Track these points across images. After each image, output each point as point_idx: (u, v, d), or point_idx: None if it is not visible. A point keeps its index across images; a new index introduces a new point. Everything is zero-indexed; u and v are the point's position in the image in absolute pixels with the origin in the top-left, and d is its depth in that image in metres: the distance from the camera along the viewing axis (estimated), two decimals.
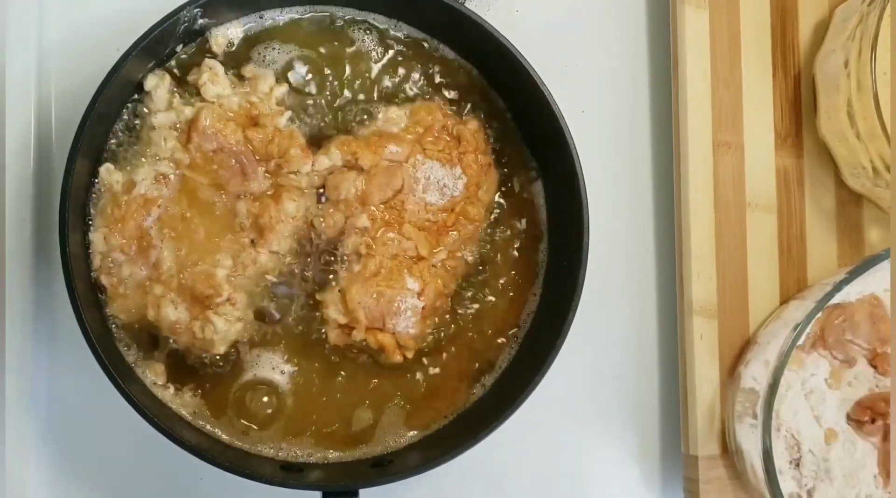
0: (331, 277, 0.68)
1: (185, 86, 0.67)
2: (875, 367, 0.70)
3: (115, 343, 0.66)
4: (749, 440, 0.68)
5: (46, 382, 0.70)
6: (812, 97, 0.75)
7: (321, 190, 0.68)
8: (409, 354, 0.68)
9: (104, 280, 0.65)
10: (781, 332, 0.68)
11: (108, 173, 0.66)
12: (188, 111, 0.66)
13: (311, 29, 0.69)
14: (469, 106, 0.71)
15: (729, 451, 0.72)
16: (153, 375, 0.66)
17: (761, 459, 0.66)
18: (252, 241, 0.66)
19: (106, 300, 0.65)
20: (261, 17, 0.69)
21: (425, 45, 0.70)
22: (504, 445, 0.69)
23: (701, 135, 0.73)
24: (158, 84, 0.66)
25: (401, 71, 0.70)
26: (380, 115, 0.69)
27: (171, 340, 0.66)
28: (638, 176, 0.77)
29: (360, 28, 0.70)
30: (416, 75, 0.71)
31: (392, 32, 0.70)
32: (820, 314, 0.68)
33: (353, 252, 0.67)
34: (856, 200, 0.76)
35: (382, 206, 0.68)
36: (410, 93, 0.70)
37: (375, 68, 0.70)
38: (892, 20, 0.66)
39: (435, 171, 0.68)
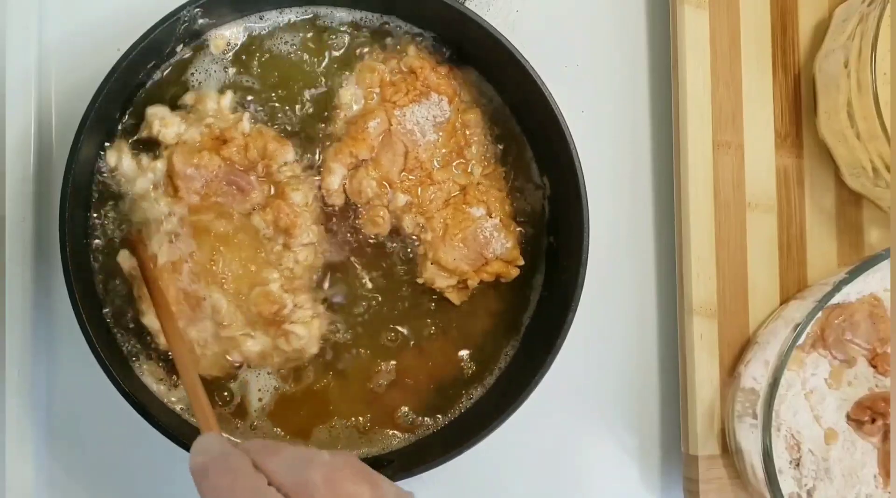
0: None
1: (142, 144, 0.67)
2: (875, 367, 0.70)
3: (116, 343, 0.66)
4: (749, 440, 0.68)
5: (46, 382, 0.70)
6: (812, 97, 0.75)
7: (352, 203, 0.68)
8: (521, 262, 0.70)
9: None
10: (781, 332, 0.68)
11: (126, 259, 0.66)
12: (160, 164, 0.66)
13: (302, 30, 0.70)
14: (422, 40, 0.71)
15: (729, 451, 0.72)
16: (152, 375, 0.66)
17: (761, 458, 0.66)
18: (284, 245, 0.66)
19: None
20: (261, 19, 0.69)
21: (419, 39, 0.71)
22: (504, 445, 0.69)
23: (701, 135, 0.73)
24: (120, 157, 0.66)
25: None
26: (338, 101, 0.69)
27: (267, 371, 0.68)
28: (638, 176, 0.77)
29: (349, 27, 0.70)
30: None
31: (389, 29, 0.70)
32: (820, 314, 0.68)
33: (415, 229, 0.68)
34: (856, 200, 0.76)
35: (405, 174, 0.68)
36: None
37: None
38: (893, 20, 0.66)
39: (417, 112, 0.68)
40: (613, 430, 0.76)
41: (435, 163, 0.69)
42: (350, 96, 0.69)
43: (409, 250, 0.69)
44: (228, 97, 0.68)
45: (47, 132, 0.71)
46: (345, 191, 0.68)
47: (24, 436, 0.69)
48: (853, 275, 0.67)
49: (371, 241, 0.69)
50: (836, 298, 0.68)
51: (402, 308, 0.70)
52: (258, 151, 0.66)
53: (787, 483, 0.67)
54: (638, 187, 0.77)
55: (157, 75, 0.68)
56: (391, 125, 0.68)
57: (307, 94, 0.69)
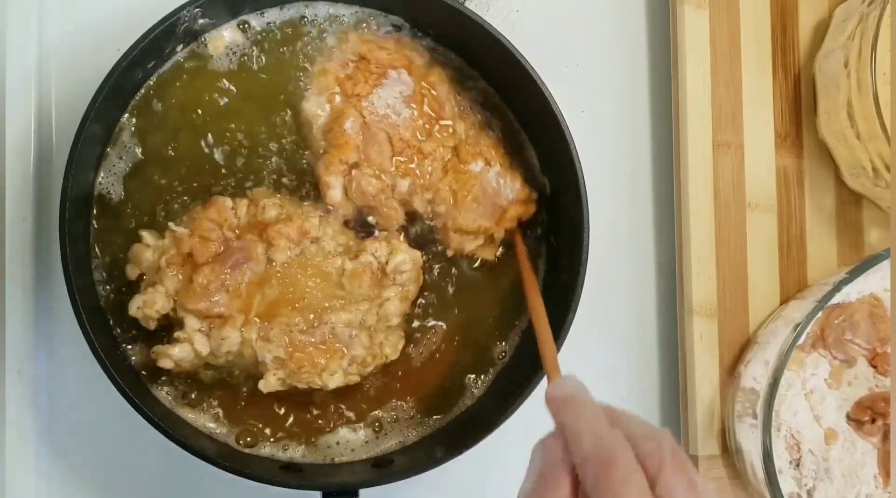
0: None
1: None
2: (875, 367, 0.70)
3: (116, 343, 0.66)
4: (749, 440, 0.68)
5: (46, 382, 0.70)
6: (812, 97, 0.75)
7: (362, 206, 0.68)
8: (534, 196, 0.70)
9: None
10: (781, 331, 0.68)
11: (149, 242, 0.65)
12: (197, 350, 0.64)
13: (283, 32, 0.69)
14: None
15: (729, 451, 0.72)
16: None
17: (761, 458, 0.66)
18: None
19: None
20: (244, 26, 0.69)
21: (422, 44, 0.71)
22: (504, 445, 0.69)
23: (701, 135, 0.73)
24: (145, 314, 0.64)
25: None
26: (304, 118, 0.68)
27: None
28: (638, 176, 0.77)
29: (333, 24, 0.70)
30: None
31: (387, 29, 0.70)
32: (820, 314, 0.68)
33: (428, 206, 0.68)
34: (856, 200, 0.76)
35: (396, 158, 0.67)
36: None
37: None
38: (893, 20, 0.66)
39: (382, 95, 0.68)
40: None
41: (419, 136, 0.68)
42: (314, 107, 0.68)
43: (432, 228, 0.70)
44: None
45: (47, 132, 0.71)
46: (350, 199, 0.68)
47: (24, 436, 0.69)
48: (853, 275, 0.67)
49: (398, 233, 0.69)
50: (836, 298, 0.68)
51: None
52: (255, 222, 0.65)
53: (787, 483, 0.67)
54: (638, 187, 0.77)
55: (156, 75, 0.68)
56: (364, 118, 0.67)
57: (273, 130, 0.68)
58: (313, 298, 0.65)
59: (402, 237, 0.68)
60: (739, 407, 0.69)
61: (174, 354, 0.63)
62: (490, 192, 0.69)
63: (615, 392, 0.76)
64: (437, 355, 0.70)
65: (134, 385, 0.64)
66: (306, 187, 0.68)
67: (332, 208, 0.67)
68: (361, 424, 0.69)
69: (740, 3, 0.74)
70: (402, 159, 0.68)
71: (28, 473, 0.69)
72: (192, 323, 0.63)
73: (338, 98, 0.67)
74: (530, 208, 0.70)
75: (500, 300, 0.71)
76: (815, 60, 0.75)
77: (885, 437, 0.69)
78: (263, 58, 0.69)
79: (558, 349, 0.65)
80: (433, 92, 0.68)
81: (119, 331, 0.67)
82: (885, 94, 0.65)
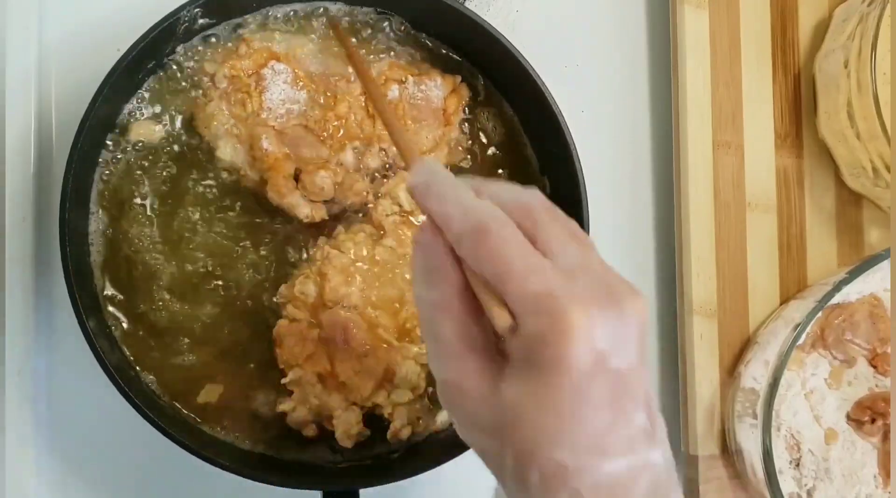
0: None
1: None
2: (875, 367, 0.70)
3: (116, 343, 0.66)
4: (749, 440, 0.68)
5: (46, 382, 0.70)
6: (812, 97, 0.75)
7: (336, 200, 0.67)
8: (458, 79, 0.69)
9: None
10: (781, 332, 0.68)
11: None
12: None
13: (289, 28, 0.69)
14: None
15: (729, 451, 0.72)
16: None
17: (761, 458, 0.66)
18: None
19: None
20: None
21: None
22: None
23: (701, 135, 0.73)
24: None
25: None
26: (224, 164, 0.66)
27: None
28: (638, 176, 0.77)
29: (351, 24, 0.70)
30: None
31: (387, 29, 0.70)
32: (820, 314, 0.68)
33: (383, 156, 0.67)
34: (856, 200, 0.76)
35: (325, 137, 0.66)
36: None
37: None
38: (893, 20, 0.66)
39: (272, 96, 0.65)
40: None
41: (330, 105, 0.66)
42: (227, 154, 0.66)
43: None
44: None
45: (47, 132, 0.71)
46: (317, 202, 0.66)
47: (24, 436, 0.69)
48: (853, 275, 0.67)
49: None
50: (836, 298, 0.68)
51: None
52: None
53: (787, 483, 0.67)
54: (638, 187, 0.77)
55: (156, 76, 0.68)
56: (273, 127, 0.65)
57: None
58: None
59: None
60: (739, 407, 0.69)
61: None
62: (421, 105, 0.67)
63: None
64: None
65: (134, 385, 0.64)
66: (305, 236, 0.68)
67: (309, 220, 0.66)
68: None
69: (740, 3, 0.74)
70: (329, 134, 0.66)
71: (28, 473, 0.69)
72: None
73: (238, 128, 0.65)
74: (464, 91, 0.69)
75: None
76: (815, 60, 0.75)
77: (885, 437, 0.69)
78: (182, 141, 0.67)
79: None
80: (298, 56, 0.66)
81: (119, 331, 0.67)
82: (885, 94, 0.65)
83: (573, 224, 0.46)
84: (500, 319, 0.42)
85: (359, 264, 0.65)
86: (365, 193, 0.67)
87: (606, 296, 0.42)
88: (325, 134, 0.66)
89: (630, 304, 0.43)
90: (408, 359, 0.65)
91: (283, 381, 0.64)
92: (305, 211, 0.66)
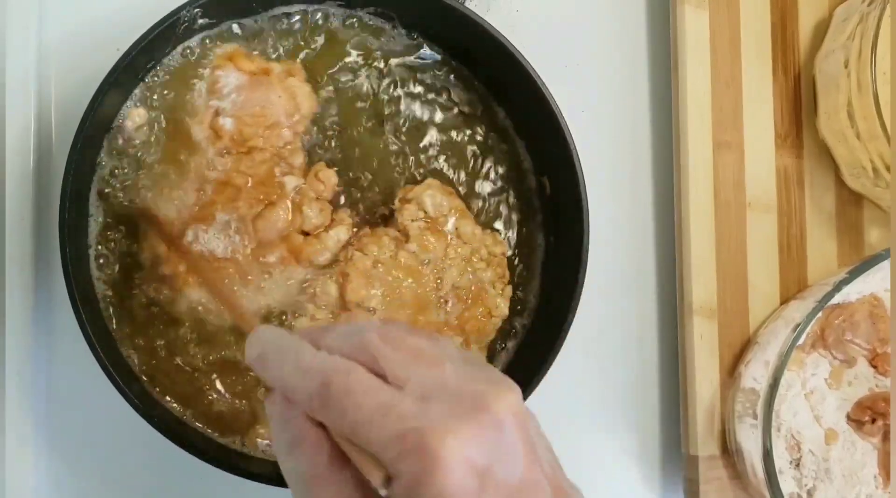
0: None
1: None
2: (875, 367, 0.70)
3: (116, 343, 0.66)
4: (749, 440, 0.68)
5: (46, 382, 0.70)
6: (812, 97, 0.75)
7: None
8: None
9: None
10: (781, 332, 0.68)
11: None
12: None
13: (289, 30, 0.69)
14: None
15: (729, 451, 0.72)
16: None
17: (761, 459, 0.66)
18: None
19: None
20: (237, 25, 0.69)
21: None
22: None
23: (701, 135, 0.73)
24: None
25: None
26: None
27: None
28: (638, 176, 0.77)
29: (351, 26, 0.70)
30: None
31: (388, 30, 0.70)
32: (820, 314, 0.68)
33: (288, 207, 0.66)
34: (856, 200, 0.76)
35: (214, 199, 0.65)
36: None
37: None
38: (893, 20, 0.66)
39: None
40: (613, 430, 0.76)
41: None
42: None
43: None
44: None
45: (47, 132, 0.71)
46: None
47: (24, 436, 0.69)
48: (853, 275, 0.67)
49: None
50: (836, 298, 0.68)
51: None
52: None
53: (787, 483, 0.67)
54: (638, 187, 0.77)
55: (156, 75, 0.68)
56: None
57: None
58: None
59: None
60: (739, 407, 0.69)
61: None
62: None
63: (615, 392, 0.76)
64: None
65: (134, 384, 0.64)
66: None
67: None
68: None
69: (740, 3, 0.74)
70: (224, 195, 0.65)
71: (28, 472, 0.69)
72: None
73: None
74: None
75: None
76: (815, 60, 0.75)
77: (885, 437, 0.69)
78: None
79: (556, 352, 0.65)
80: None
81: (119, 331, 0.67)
82: (885, 94, 0.65)
83: (419, 338, 0.43)
84: (374, 476, 0.39)
85: (381, 267, 0.65)
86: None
87: (470, 407, 0.39)
88: (221, 196, 0.65)
89: (499, 404, 0.39)
90: None
91: None
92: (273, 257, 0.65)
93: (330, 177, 0.67)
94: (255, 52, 0.67)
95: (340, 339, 0.43)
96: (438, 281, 0.67)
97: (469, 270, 0.67)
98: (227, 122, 0.64)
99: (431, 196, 0.67)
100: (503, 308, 0.69)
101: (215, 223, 0.64)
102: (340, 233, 0.66)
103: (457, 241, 0.67)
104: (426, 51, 0.71)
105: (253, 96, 0.65)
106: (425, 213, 0.67)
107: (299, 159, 0.67)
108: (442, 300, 0.67)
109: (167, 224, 0.64)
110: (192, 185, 0.65)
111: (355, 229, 0.67)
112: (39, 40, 0.71)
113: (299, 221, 0.65)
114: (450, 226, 0.67)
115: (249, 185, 0.65)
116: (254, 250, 0.64)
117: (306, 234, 0.66)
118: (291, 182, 0.66)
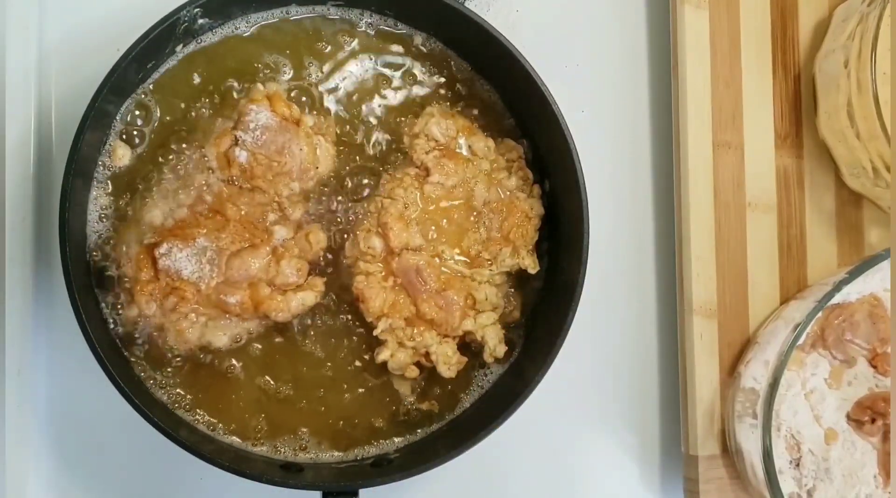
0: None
1: None
2: (875, 367, 0.70)
3: (115, 342, 0.66)
4: (749, 440, 0.68)
5: (46, 381, 0.70)
6: (812, 97, 0.75)
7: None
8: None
9: None
10: (781, 332, 0.68)
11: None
12: None
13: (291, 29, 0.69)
14: None
15: (729, 451, 0.72)
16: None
17: (761, 458, 0.66)
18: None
19: None
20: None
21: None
22: (504, 446, 0.69)
23: (701, 135, 0.73)
24: None
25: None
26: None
27: None
28: (638, 176, 0.77)
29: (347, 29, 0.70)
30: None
31: (390, 31, 0.70)
32: (820, 314, 0.68)
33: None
34: (856, 200, 0.76)
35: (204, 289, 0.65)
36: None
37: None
38: (892, 20, 0.66)
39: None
40: (613, 430, 0.76)
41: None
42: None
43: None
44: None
45: (47, 132, 0.71)
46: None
47: (24, 436, 0.69)
48: (853, 275, 0.67)
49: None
50: (836, 298, 0.68)
51: None
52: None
53: (787, 483, 0.67)
54: (638, 187, 0.77)
55: (156, 75, 0.68)
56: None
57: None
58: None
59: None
60: (739, 407, 0.69)
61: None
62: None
63: (615, 392, 0.76)
64: None
65: (134, 385, 0.64)
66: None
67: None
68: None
69: (740, 3, 0.74)
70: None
71: (28, 472, 0.69)
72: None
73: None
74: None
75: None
76: (815, 60, 0.75)
77: (885, 437, 0.69)
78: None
79: (558, 350, 0.65)
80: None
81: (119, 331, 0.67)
82: (885, 94, 0.65)
83: None
84: None
85: (413, 207, 0.66)
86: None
87: None
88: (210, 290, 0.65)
89: None
90: (483, 283, 0.67)
91: (375, 332, 0.66)
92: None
93: (320, 240, 0.66)
94: (293, 95, 0.68)
95: None
96: (471, 201, 0.67)
97: (495, 180, 0.68)
98: (242, 155, 0.64)
99: (437, 123, 0.67)
100: (538, 207, 0.69)
101: (194, 245, 0.63)
102: (307, 298, 0.65)
103: (475, 159, 0.68)
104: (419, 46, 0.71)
105: (276, 139, 0.65)
106: (436, 141, 0.67)
107: (297, 213, 0.66)
108: (480, 218, 0.68)
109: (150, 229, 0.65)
110: (187, 199, 0.65)
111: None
112: (39, 40, 0.71)
113: (273, 273, 0.64)
114: (463, 147, 0.68)
115: (239, 220, 0.65)
116: (218, 285, 0.64)
117: (274, 286, 0.65)
118: (280, 232, 0.66)
